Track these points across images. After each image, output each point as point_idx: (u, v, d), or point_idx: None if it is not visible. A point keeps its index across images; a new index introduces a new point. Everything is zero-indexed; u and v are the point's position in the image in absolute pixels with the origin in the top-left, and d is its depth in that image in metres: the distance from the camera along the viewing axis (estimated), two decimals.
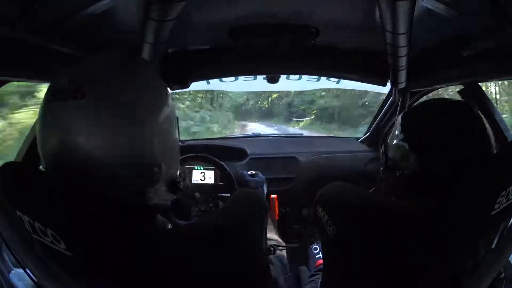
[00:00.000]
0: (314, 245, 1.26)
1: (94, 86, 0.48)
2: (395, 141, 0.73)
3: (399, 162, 0.71)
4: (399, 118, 0.74)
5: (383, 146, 0.78)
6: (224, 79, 1.50)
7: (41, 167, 0.54)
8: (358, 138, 1.84)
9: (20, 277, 0.81)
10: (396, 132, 0.73)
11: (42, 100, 0.51)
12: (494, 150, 0.66)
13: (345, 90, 5.95)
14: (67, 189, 0.47)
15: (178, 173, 0.62)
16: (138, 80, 0.52)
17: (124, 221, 0.48)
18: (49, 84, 0.53)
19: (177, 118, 0.60)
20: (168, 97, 0.56)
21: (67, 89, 0.48)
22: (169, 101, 0.56)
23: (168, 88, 1.34)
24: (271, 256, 0.80)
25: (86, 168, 0.48)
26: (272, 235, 0.94)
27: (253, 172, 1.34)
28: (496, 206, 0.56)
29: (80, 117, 0.47)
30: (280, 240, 0.93)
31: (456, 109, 0.69)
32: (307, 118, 7.51)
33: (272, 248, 0.81)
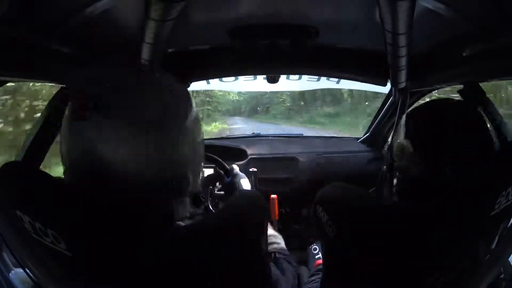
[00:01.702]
0: (314, 245, 1.26)
1: (117, 103, 0.47)
2: (399, 142, 0.72)
3: (403, 163, 0.71)
4: (403, 118, 0.74)
5: (387, 146, 0.78)
6: (224, 79, 1.50)
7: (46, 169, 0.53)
8: (358, 138, 1.84)
9: (20, 277, 0.81)
10: (401, 133, 0.72)
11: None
12: (495, 151, 0.66)
13: None
14: (68, 189, 0.47)
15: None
16: (162, 91, 0.51)
17: (125, 222, 0.48)
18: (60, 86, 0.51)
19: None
20: (192, 101, 0.54)
21: (90, 108, 0.46)
22: (193, 104, 0.54)
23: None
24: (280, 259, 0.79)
25: (114, 183, 0.47)
26: (272, 232, 0.94)
27: (254, 169, 1.33)
28: (496, 206, 0.56)
29: (105, 136, 0.46)
30: (279, 236, 0.93)
31: (461, 110, 0.69)
32: None
33: (273, 254, 0.81)
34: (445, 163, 0.64)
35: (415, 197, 0.68)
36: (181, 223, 0.56)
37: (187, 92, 0.55)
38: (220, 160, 1.30)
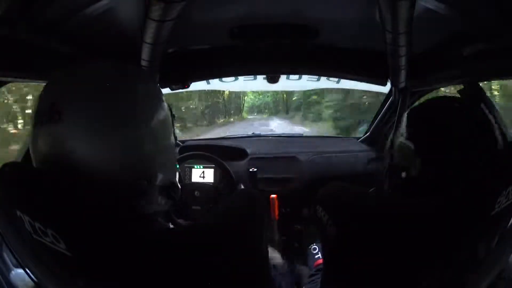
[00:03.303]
0: (314, 245, 1.26)
1: (72, 106, 0.47)
2: (400, 141, 0.71)
3: (404, 163, 0.70)
4: (404, 117, 0.73)
5: (387, 146, 0.77)
6: (224, 79, 1.50)
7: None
8: (358, 138, 1.84)
9: (20, 277, 0.81)
10: (402, 132, 0.72)
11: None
12: (498, 150, 0.65)
13: None
14: (68, 189, 0.47)
15: (176, 176, 0.60)
16: (125, 92, 0.51)
17: (124, 222, 0.48)
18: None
19: (174, 116, 0.58)
20: (161, 100, 0.55)
21: (46, 112, 0.48)
22: (163, 104, 0.54)
23: (168, 89, 1.35)
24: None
25: (79, 182, 0.47)
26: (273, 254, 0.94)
27: (255, 169, 1.34)
28: (496, 206, 0.56)
29: (61, 139, 0.47)
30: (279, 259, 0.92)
31: (464, 108, 0.67)
32: None
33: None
34: (446, 163, 0.63)
35: (415, 196, 0.68)
36: (182, 222, 0.56)
37: (159, 94, 0.55)
38: (231, 172, 1.32)
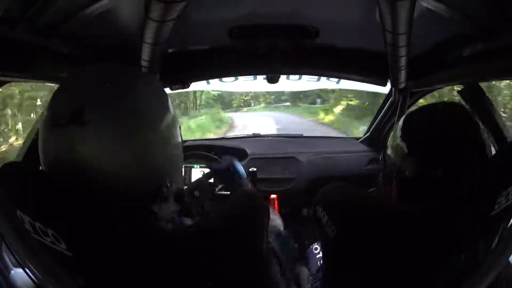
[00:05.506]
0: (315, 245, 1.26)
1: (94, 110, 0.47)
2: (394, 144, 0.74)
3: (398, 165, 0.72)
4: (400, 121, 0.75)
5: (383, 150, 0.79)
6: (224, 79, 1.50)
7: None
8: (358, 138, 1.84)
9: (20, 277, 0.81)
10: (396, 135, 0.74)
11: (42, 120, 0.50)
12: (490, 153, 0.67)
13: None
14: (68, 189, 0.47)
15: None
16: (138, 96, 0.51)
17: (125, 222, 0.48)
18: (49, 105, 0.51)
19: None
20: (169, 103, 0.55)
21: (68, 115, 0.47)
22: (170, 106, 0.55)
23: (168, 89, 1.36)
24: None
25: (92, 188, 0.47)
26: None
27: (254, 169, 1.34)
28: (496, 206, 0.56)
29: (83, 141, 0.46)
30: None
31: (453, 113, 0.70)
32: None
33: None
34: (436, 165, 0.65)
35: (410, 197, 0.69)
36: (188, 221, 0.56)
37: (166, 97, 0.55)
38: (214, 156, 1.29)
